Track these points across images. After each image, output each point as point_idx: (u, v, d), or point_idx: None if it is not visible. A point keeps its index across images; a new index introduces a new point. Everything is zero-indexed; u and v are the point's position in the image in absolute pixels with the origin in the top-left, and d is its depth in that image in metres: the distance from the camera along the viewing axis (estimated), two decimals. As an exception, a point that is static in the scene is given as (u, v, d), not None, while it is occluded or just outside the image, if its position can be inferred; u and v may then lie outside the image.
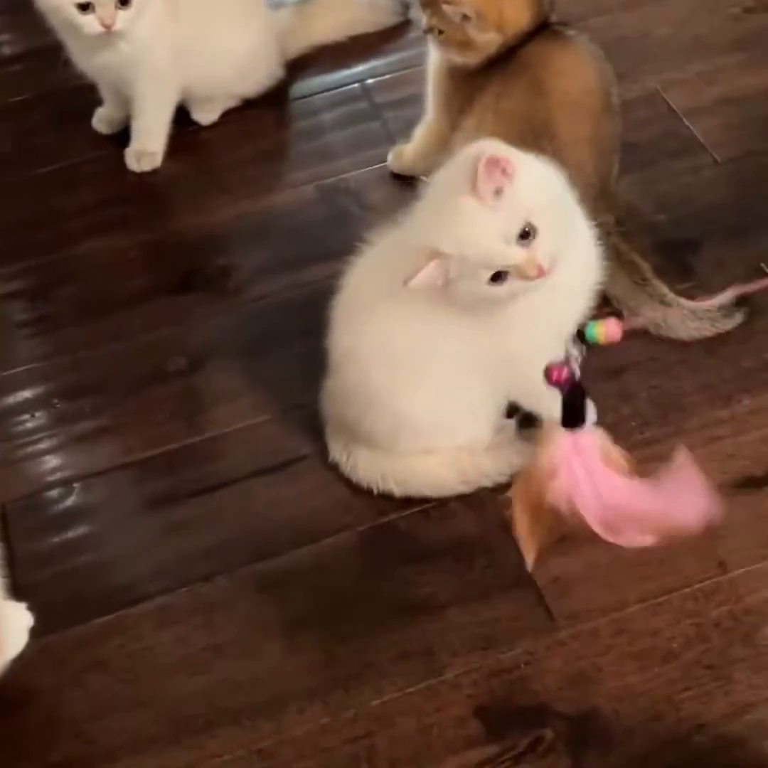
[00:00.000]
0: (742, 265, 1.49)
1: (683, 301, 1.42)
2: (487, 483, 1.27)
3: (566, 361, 0.90)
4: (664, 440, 1.31)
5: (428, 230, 1.10)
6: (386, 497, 1.28)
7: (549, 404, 1.29)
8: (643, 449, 1.30)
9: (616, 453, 0.93)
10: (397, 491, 1.28)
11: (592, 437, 0.92)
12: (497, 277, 1.08)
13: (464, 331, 1.17)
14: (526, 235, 1.06)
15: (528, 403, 1.29)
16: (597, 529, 0.91)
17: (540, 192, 1.09)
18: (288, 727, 1.11)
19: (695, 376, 1.37)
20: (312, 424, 1.35)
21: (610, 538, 0.92)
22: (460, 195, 1.06)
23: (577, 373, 0.90)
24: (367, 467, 1.29)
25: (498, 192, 1.05)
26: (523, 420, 1.30)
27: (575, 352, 0.90)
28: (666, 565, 1.19)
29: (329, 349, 1.27)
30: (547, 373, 0.89)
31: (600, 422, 1.31)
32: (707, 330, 1.40)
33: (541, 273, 1.07)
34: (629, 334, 1.36)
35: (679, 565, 1.19)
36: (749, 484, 1.26)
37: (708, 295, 1.40)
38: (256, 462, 1.35)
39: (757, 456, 1.28)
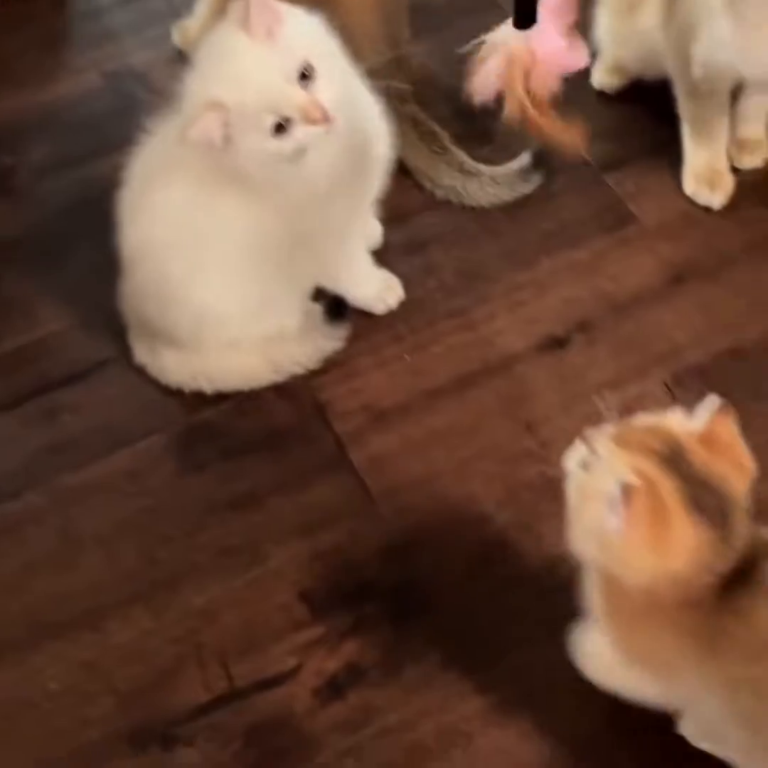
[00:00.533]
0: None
1: (483, 167, 1.42)
2: (299, 370, 1.26)
3: None
4: (471, 309, 1.32)
5: (204, 82, 1.06)
6: (197, 395, 1.26)
7: (354, 284, 1.29)
8: (451, 320, 1.31)
9: None
10: (208, 388, 1.25)
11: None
12: (281, 129, 1.04)
13: (257, 214, 1.13)
14: (304, 76, 1.03)
15: (332, 285, 1.28)
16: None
17: (314, 38, 1.06)
18: (111, 635, 1.09)
19: (497, 243, 1.38)
20: (114, 327, 1.30)
21: None
22: (233, 35, 1.03)
23: None
24: (175, 367, 1.25)
25: (271, 32, 1.02)
26: (331, 303, 1.29)
27: None
28: (476, 432, 1.21)
29: (120, 246, 1.22)
30: None
31: (407, 297, 1.33)
32: (506, 195, 1.40)
33: (326, 118, 1.04)
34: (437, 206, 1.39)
35: (488, 431, 1.21)
36: (552, 345, 1.28)
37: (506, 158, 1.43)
38: (59, 370, 1.30)
39: (558, 317, 1.30)
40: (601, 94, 1.52)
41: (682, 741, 0.97)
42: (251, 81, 1.03)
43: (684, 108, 1.37)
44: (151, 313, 1.21)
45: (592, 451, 0.84)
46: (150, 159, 1.17)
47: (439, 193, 1.41)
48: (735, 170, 1.40)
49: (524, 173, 1.41)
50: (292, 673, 1.07)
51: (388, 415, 1.24)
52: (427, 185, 1.41)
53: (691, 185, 1.39)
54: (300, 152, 1.06)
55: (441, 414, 1.23)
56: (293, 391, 1.26)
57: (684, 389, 1.22)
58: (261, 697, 1.05)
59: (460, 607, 1.09)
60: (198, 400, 1.25)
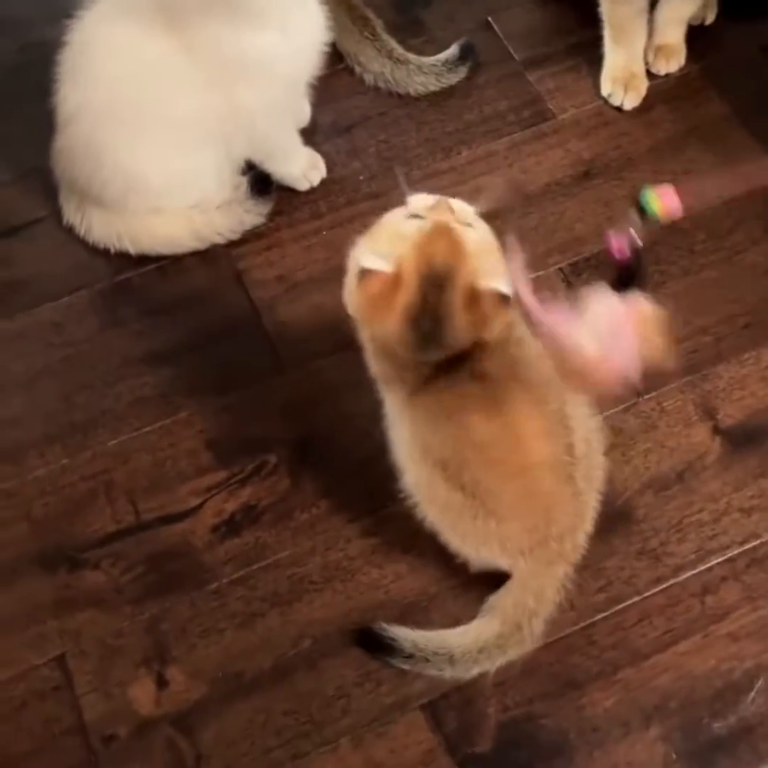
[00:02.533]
0: (471, 19, 1.54)
1: (411, 56, 1.47)
2: (221, 240, 1.33)
3: (627, 233, 0.88)
4: (389, 192, 1.39)
5: None
6: (122, 256, 1.33)
7: (282, 161, 1.36)
8: (370, 201, 1.38)
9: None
10: (133, 250, 1.32)
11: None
12: None
13: (196, 81, 1.19)
14: None
15: (262, 160, 1.34)
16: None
17: None
18: (29, 469, 1.19)
19: (420, 130, 1.44)
20: (47, 187, 1.36)
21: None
22: None
23: (639, 242, 0.87)
24: (102, 227, 1.32)
25: None
26: (256, 178, 1.35)
27: (636, 224, 0.88)
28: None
29: (58, 107, 1.27)
30: (608, 244, 0.87)
31: (329, 177, 1.40)
32: (433, 84, 1.46)
33: None
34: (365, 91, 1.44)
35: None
36: (462, 229, 1.35)
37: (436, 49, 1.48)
38: (-8, 225, 1.36)
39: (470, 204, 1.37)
40: (533, -7, 1.57)
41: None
42: None
43: (605, 10, 1.43)
44: (82, 173, 1.27)
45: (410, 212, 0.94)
46: (102, 19, 1.21)
47: (368, 78, 1.47)
48: (650, 75, 1.47)
49: (451, 64, 1.46)
50: (194, 511, 1.17)
51: (302, 285, 1.32)
52: (357, 69, 1.47)
53: (607, 86, 1.46)
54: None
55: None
56: (214, 259, 1.33)
57: (578, 278, 1.31)
58: (164, 530, 1.15)
59: (351, 463, 1.19)
60: (123, 260, 1.33)
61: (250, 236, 1.34)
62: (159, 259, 1.33)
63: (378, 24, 1.48)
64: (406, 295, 0.91)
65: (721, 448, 1.19)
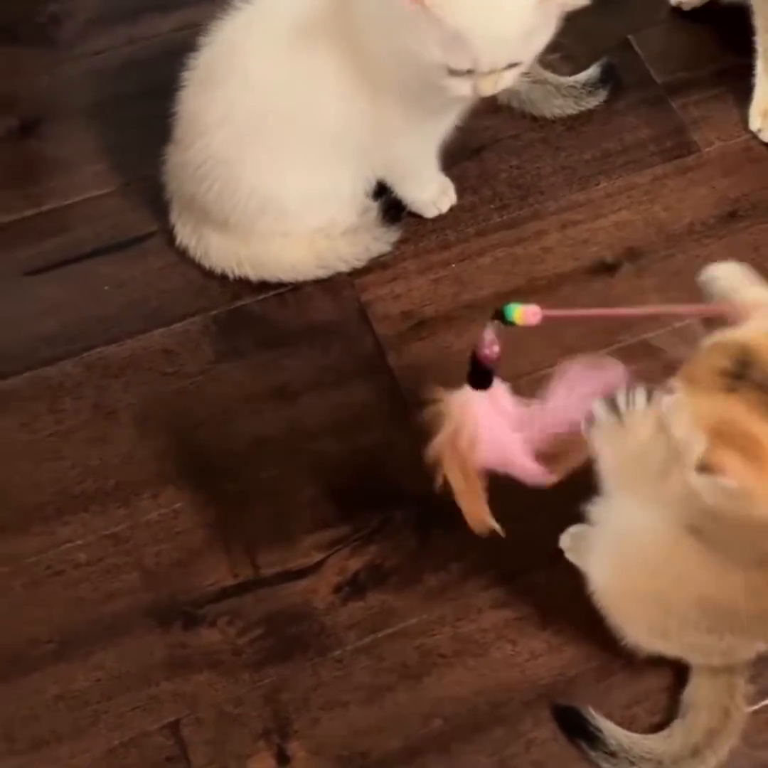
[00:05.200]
0: (609, 37, 1.44)
1: (549, 75, 1.37)
2: (345, 268, 1.24)
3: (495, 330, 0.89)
4: (522, 223, 1.30)
5: None
6: (240, 281, 1.24)
7: (415, 185, 1.27)
8: (501, 232, 1.30)
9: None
10: (252, 275, 1.24)
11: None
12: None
13: (345, 89, 1.10)
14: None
15: (395, 184, 1.25)
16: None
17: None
18: (141, 512, 1.11)
19: (555, 157, 1.35)
20: (156, 199, 1.27)
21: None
22: None
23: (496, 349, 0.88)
24: (221, 251, 1.23)
25: None
26: (387, 204, 1.26)
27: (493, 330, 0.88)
28: (516, 351, 1.20)
29: (182, 116, 1.18)
30: (480, 343, 0.89)
31: (459, 203, 1.31)
32: (571, 108, 1.37)
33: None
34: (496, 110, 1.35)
35: (528, 350, 1.20)
36: (601, 269, 1.27)
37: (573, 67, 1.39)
38: (99, 238, 1.28)
39: (609, 241, 1.29)
40: (677, 10, 1.46)
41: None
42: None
43: (763, 43, 1.33)
44: (208, 191, 1.18)
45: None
46: (251, 21, 1.11)
47: (501, 97, 1.37)
48: (805, 111, 1.37)
49: (591, 86, 1.37)
50: (316, 568, 1.09)
51: (430, 323, 1.24)
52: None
53: (757, 120, 1.36)
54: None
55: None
56: (336, 288, 1.25)
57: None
58: (283, 588, 1.08)
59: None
60: (240, 286, 1.24)
61: (375, 265, 1.26)
62: (278, 286, 1.24)
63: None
64: None
65: None
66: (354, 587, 1.08)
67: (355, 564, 1.09)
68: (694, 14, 1.46)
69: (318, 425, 1.17)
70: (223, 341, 1.21)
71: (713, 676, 0.98)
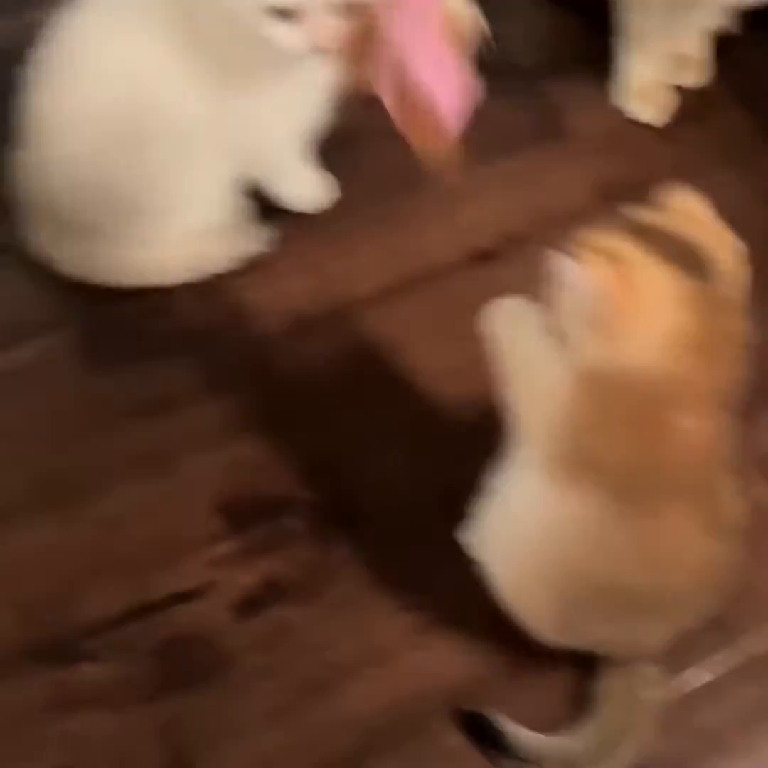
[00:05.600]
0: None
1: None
2: (219, 270, 1.18)
3: None
4: (400, 215, 1.26)
5: None
6: (105, 289, 1.16)
7: (291, 183, 1.21)
8: (381, 225, 1.25)
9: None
10: (118, 282, 1.16)
11: None
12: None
13: (207, 86, 1.04)
14: None
15: (267, 182, 1.19)
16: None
17: None
18: (11, 541, 1.02)
19: (430, 146, 1.31)
20: (6, 208, 1.18)
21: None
22: None
23: None
24: (81, 258, 1.14)
25: None
26: (262, 204, 1.20)
27: None
28: (406, 347, 1.16)
29: (28, 118, 1.09)
30: None
31: (337, 197, 1.26)
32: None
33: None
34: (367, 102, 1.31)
35: (418, 346, 1.16)
36: (482, 256, 1.23)
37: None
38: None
39: (489, 229, 1.25)
40: (537, -4, 1.46)
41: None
42: None
43: (625, 20, 1.32)
44: (62, 197, 1.10)
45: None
46: (96, 15, 1.04)
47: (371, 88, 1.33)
48: (671, 88, 1.37)
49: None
50: (207, 588, 1.02)
51: (311, 322, 1.18)
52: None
53: (626, 99, 1.36)
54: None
55: (369, 324, 1.18)
56: (212, 291, 1.18)
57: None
58: (174, 611, 1.00)
59: (385, 527, 1.05)
60: (106, 295, 1.16)
61: (252, 266, 1.19)
62: (148, 292, 1.17)
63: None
64: None
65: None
66: (250, 604, 1.01)
67: (250, 579, 1.02)
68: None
69: (200, 436, 1.10)
70: (91, 355, 1.13)
71: (623, 667, 0.95)
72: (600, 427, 0.79)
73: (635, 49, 1.34)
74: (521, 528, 0.88)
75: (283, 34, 0.96)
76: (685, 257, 0.77)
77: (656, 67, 1.34)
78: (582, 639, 0.93)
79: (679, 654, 1.00)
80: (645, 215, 0.81)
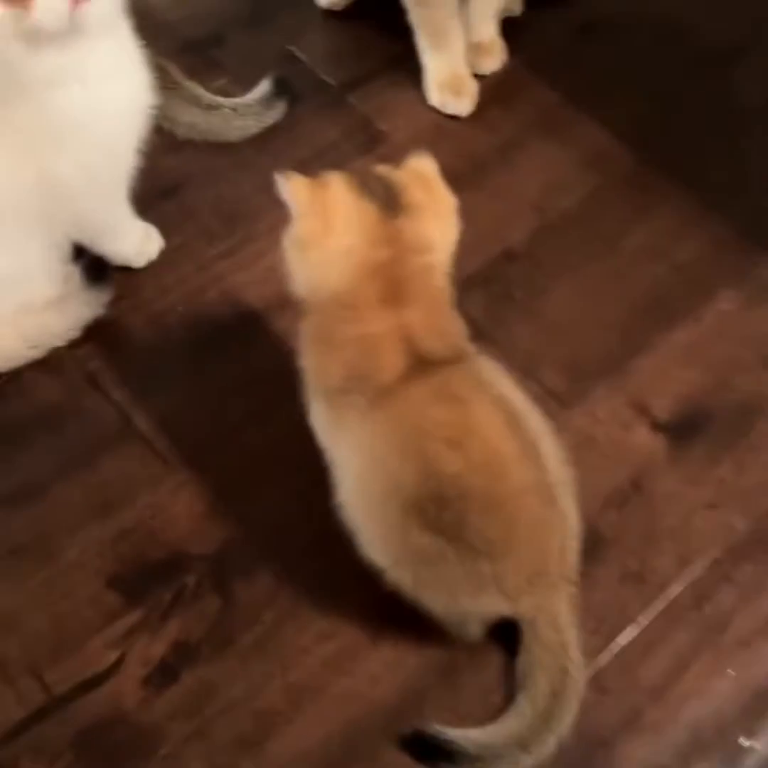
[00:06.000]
0: (271, 53, 1.42)
1: (222, 99, 1.33)
2: (60, 342, 1.14)
3: None
4: (239, 250, 1.24)
5: None
6: (-54, 385, 1.11)
7: (112, 239, 1.17)
8: (223, 261, 1.23)
9: None
10: (-42, 375, 1.11)
11: None
12: None
13: (3, 155, 0.99)
14: None
15: (91, 241, 1.15)
16: None
17: None
18: None
19: (253, 178, 1.29)
20: None
21: None
22: None
23: None
24: None
25: None
26: (89, 264, 1.16)
27: None
28: (269, 377, 1.14)
29: None
30: None
31: (168, 246, 1.23)
32: (253, 126, 1.33)
33: None
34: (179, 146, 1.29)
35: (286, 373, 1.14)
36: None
37: (243, 88, 1.35)
38: None
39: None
40: (328, 13, 1.46)
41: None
42: None
43: (415, 16, 1.34)
44: None
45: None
46: None
47: (181, 131, 1.31)
48: (475, 76, 1.39)
49: (267, 101, 1.34)
50: (115, 667, 0.96)
51: (169, 372, 1.15)
52: (165, 125, 1.30)
53: (435, 95, 1.37)
54: (34, 34, 0.91)
55: (227, 364, 1.15)
56: (58, 365, 1.13)
57: (469, 296, 1.20)
58: (85, 701, 0.95)
59: (284, 562, 1.02)
60: (-52, 391, 1.11)
61: (95, 331, 1.15)
62: (-8, 379, 1.12)
63: (176, 71, 1.33)
64: None
65: (666, 443, 1.11)
66: (164, 673, 0.96)
67: (158, 648, 0.98)
68: (346, 13, 1.47)
69: (75, 516, 1.04)
70: (-55, 455, 1.07)
71: (541, 638, 0.94)
72: (308, 346, 0.91)
73: (433, 44, 1.36)
74: (343, 471, 0.91)
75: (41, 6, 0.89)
76: (386, 197, 0.87)
77: (454, 59, 1.36)
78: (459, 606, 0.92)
79: (601, 616, 0.99)
80: (382, 169, 0.91)
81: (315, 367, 0.91)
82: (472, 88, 1.37)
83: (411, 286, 0.88)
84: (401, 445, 0.86)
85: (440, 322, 0.89)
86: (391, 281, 0.87)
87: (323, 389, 0.91)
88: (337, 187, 0.88)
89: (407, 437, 0.86)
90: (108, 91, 1.01)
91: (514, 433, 0.88)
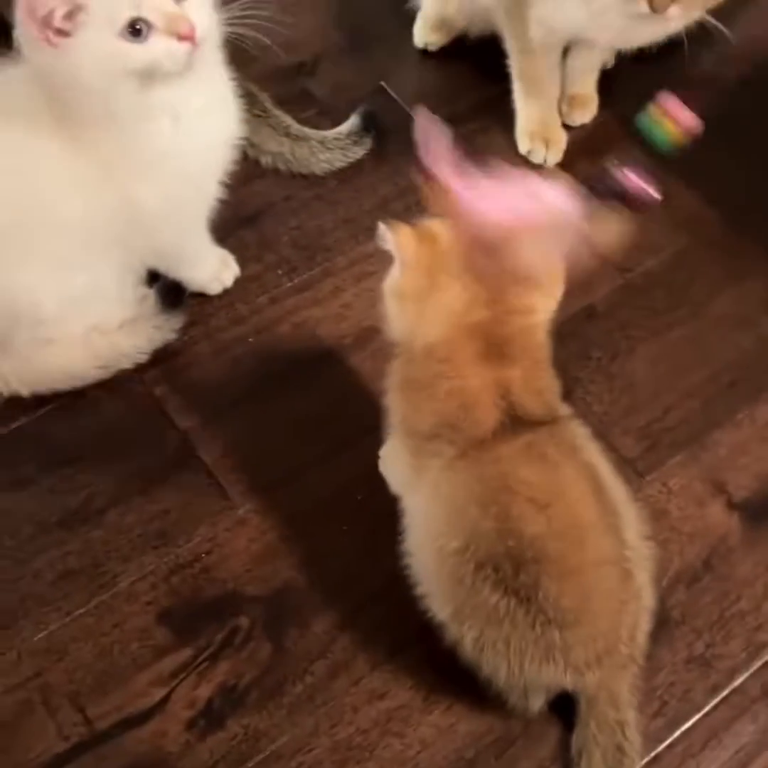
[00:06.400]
0: (362, 86, 1.40)
1: (310, 131, 1.31)
2: (128, 364, 1.12)
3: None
4: (315, 284, 1.22)
5: None
6: (10, 400, 1.09)
7: (191, 266, 1.16)
8: (295, 296, 1.21)
9: None
10: (23, 391, 1.09)
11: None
12: (136, 31, 0.89)
13: (88, 180, 0.98)
14: None
15: (168, 268, 1.14)
16: None
17: None
18: (-62, 689, 0.93)
19: (335, 211, 1.28)
20: None
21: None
22: None
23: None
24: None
25: None
26: (165, 289, 1.14)
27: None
28: (337, 417, 1.11)
29: None
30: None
31: (243, 274, 1.22)
32: (339, 160, 1.31)
33: (191, 35, 0.91)
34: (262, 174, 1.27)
35: (349, 414, 1.11)
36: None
37: (331, 119, 1.33)
38: None
39: (408, 286, 1.22)
40: (425, 53, 1.45)
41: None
42: None
43: (516, 63, 1.32)
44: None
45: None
46: None
47: (265, 160, 1.30)
48: (566, 127, 1.37)
49: (355, 136, 1.32)
50: (160, 706, 0.94)
51: (236, 404, 1.12)
52: (251, 152, 1.29)
53: (525, 143, 1.34)
54: (151, 72, 0.91)
55: (295, 400, 1.12)
56: (125, 387, 1.12)
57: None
58: (127, 738, 0.92)
59: (341, 611, 0.99)
60: (11, 406, 1.09)
61: (164, 355, 1.14)
62: (57, 397, 1.10)
63: (266, 99, 1.31)
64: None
65: (741, 523, 1.07)
66: (209, 717, 0.93)
67: (205, 690, 0.95)
68: (442, 54, 1.45)
69: (130, 544, 1.02)
70: (5, 471, 1.05)
71: (599, 715, 0.90)
72: (397, 389, 0.90)
73: (528, 92, 1.33)
74: (416, 518, 0.90)
75: (162, 48, 0.91)
76: None
77: (548, 108, 1.34)
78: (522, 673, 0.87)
79: (664, 699, 0.95)
80: None
81: (404, 410, 0.90)
82: (561, 139, 1.34)
83: (512, 345, 0.86)
84: (484, 498, 0.84)
85: (538, 381, 0.87)
86: (491, 339, 0.85)
87: (409, 433, 0.89)
88: (444, 241, 0.85)
89: (492, 491, 0.84)
90: (198, 125, 1.00)
91: (598, 502, 0.85)
